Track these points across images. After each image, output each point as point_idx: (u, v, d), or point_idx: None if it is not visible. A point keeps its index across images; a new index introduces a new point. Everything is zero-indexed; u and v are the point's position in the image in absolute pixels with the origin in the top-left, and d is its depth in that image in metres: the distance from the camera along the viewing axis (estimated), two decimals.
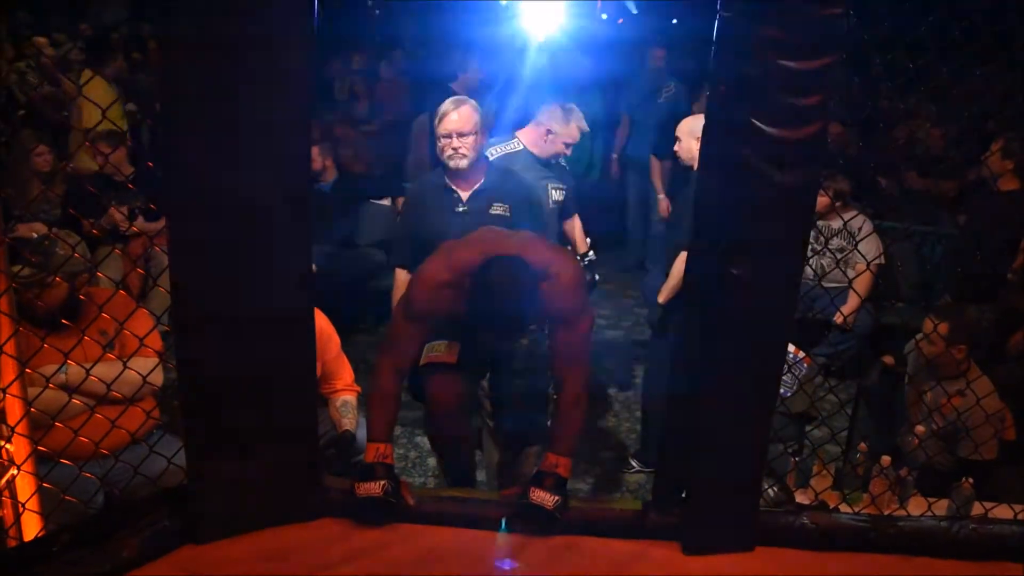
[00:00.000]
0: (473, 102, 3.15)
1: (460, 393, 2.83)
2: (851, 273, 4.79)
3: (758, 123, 1.80)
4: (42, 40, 7.14)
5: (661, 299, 3.69)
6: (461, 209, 3.11)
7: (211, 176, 1.78)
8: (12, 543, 2.03)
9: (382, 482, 2.16)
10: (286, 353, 2.01)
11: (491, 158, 3.46)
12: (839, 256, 4.71)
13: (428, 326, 2.45)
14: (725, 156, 1.87)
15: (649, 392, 4.02)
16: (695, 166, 3.56)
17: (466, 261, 2.32)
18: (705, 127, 1.94)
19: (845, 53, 1.83)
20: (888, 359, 3.68)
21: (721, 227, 1.94)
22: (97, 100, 5.78)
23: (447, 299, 2.33)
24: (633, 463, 4.10)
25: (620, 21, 17.68)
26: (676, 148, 3.66)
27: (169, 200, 1.81)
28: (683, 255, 3.60)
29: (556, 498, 2.19)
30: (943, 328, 3.12)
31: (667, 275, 3.59)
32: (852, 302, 4.64)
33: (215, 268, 1.85)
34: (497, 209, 3.10)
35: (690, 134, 3.54)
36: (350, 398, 3.28)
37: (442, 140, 3.10)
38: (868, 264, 4.72)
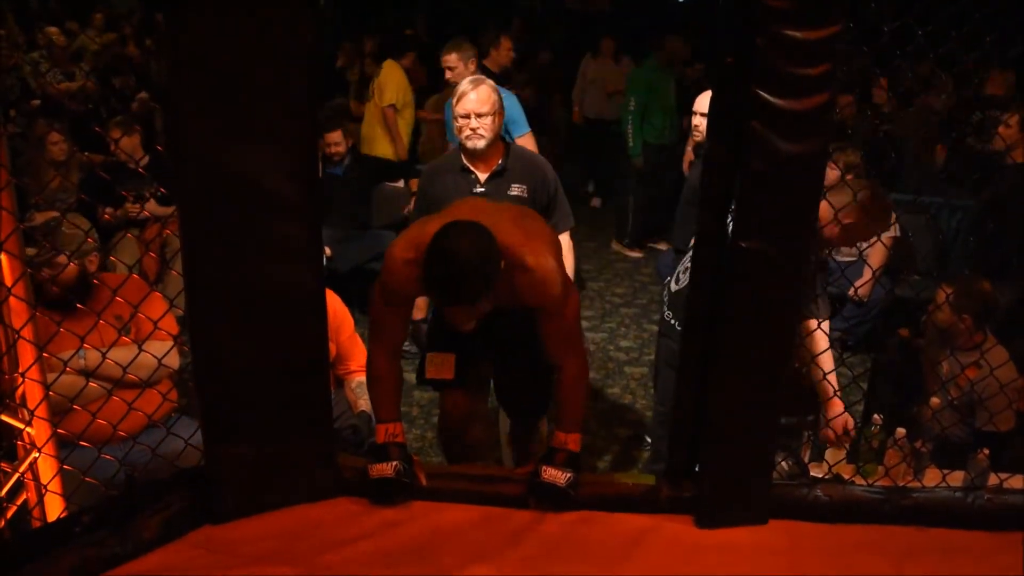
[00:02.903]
0: (491, 82, 3.12)
1: (467, 411, 2.89)
2: (864, 246, 4.75)
3: (764, 94, 1.78)
4: (53, 29, 7.17)
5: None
6: (479, 190, 3.11)
7: (220, 159, 1.79)
8: (36, 524, 2.07)
9: (394, 463, 2.18)
10: (299, 333, 2.03)
11: None
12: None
13: (407, 305, 2.40)
14: (732, 128, 1.86)
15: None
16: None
17: (430, 234, 2.17)
18: (712, 99, 1.93)
19: (851, 22, 1.81)
20: (904, 331, 3.66)
21: (729, 199, 1.93)
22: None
23: (416, 277, 2.20)
24: (648, 438, 4.12)
25: None
26: (696, 124, 3.67)
27: (180, 184, 1.82)
28: None
29: (568, 475, 2.20)
30: (950, 295, 3.10)
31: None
32: (866, 275, 4.62)
33: (226, 250, 1.87)
34: (515, 190, 3.09)
35: None
36: (364, 379, 3.30)
37: (460, 120, 3.07)
38: (879, 236, 4.67)
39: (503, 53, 5.92)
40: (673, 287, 3.03)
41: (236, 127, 1.79)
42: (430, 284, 2.11)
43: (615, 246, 7.14)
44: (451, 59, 4.74)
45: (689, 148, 6.10)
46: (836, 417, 2.64)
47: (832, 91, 1.83)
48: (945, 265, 5.16)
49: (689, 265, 2.42)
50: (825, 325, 2.67)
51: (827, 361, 2.68)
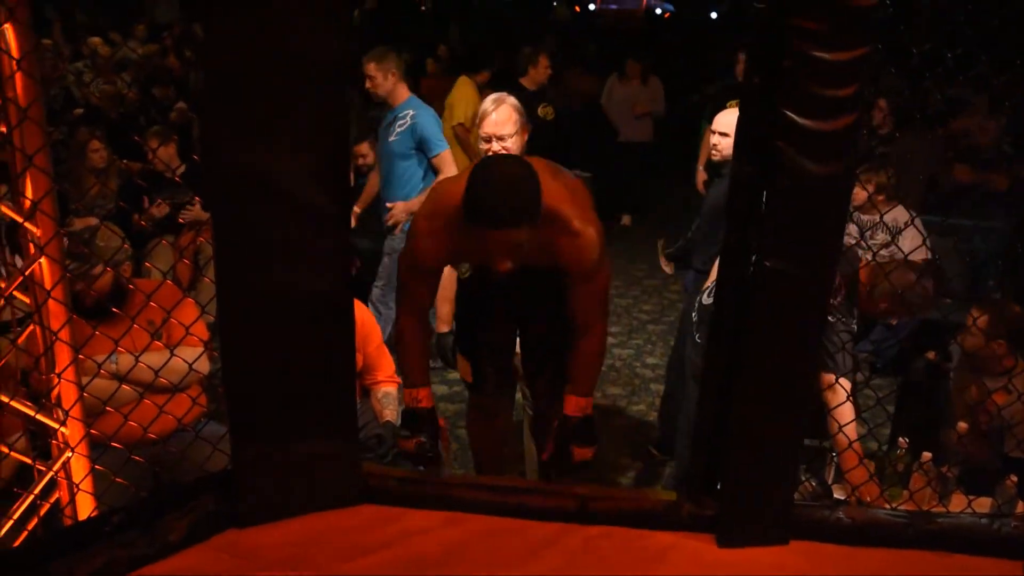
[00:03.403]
0: (513, 100, 3.08)
1: (494, 426, 2.97)
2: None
3: (791, 115, 1.80)
4: (96, 40, 7.33)
5: (706, 300, 3.69)
6: None
7: (252, 167, 1.83)
8: (67, 522, 2.12)
9: (415, 440, 2.37)
10: (327, 341, 2.06)
11: None
12: (885, 251, 4.63)
13: (434, 273, 2.41)
14: (759, 148, 1.87)
15: (672, 387, 4.04)
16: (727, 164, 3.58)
17: (455, 196, 2.17)
18: (739, 119, 1.95)
19: (880, 44, 1.82)
20: (931, 354, 3.63)
21: (755, 218, 1.94)
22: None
23: (443, 241, 2.26)
24: (654, 451, 4.13)
25: (666, 15, 17.60)
26: (715, 143, 3.64)
27: (213, 191, 1.87)
28: None
29: (594, 447, 2.38)
30: (983, 321, 3.08)
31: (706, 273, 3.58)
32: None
33: (257, 257, 1.90)
34: None
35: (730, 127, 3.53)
36: (391, 389, 3.34)
37: (483, 143, 3.05)
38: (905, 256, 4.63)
39: (540, 71, 5.95)
40: (705, 300, 3.03)
41: (268, 135, 1.82)
42: (474, 207, 2.05)
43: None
44: (370, 68, 4.62)
45: (700, 167, 6.09)
46: (859, 487, 2.55)
47: (859, 112, 1.83)
48: (975, 288, 5.11)
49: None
50: (847, 386, 2.60)
51: (843, 414, 2.59)
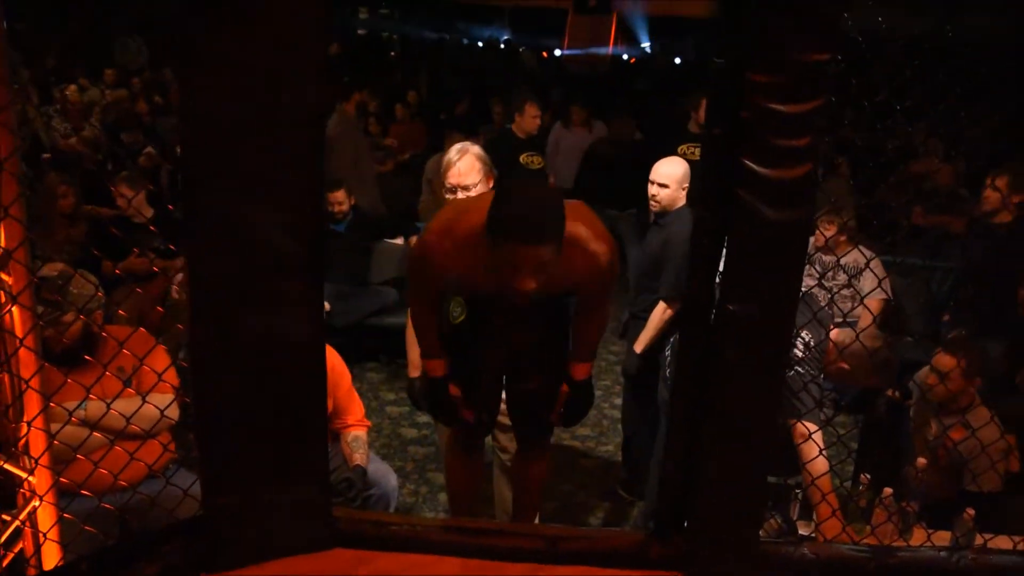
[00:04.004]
0: (477, 149, 3.05)
1: (475, 463, 2.96)
2: (858, 308, 4.82)
3: (751, 164, 1.87)
4: (71, 88, 7.35)
5: (639, 348, 3.77)
6: None
7: (229, 215, 1.87)
8: (31, 572, 2.09)
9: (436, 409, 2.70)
10: (299, 386, 2.08)
11: None
12: (847, 291, 4.74)
13: (438, 287, 2.45)
14: (721, 196, 1.94)
15: (632, 431, 4.10)
16: (667, 212, 3.67)
17: (465, 216, 2.26)
18: (702, 168, 2.02)
19: (833, 96, 1.90)
20: (893, 392, 3.71)
21: (718, 263, 2.01)
22: None
23: (453, 250, 2.25)
24: (622, 492, 4.16)
25: (632, 60, 17.92)
26: (654, 193, 3.67)
27: (188, 237, 1.89)
28: (660, 306, 3.69)
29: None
30: (961, 363, 3.16)
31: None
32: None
33: (231, 304, 1.93)
34: None
35: (678, 182, 3.62)
36: (361, 433, 3.34)
37: (447, 194, 3.03)
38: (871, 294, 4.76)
39: (528, 119, 5.99)
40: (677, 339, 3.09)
41: (245, 184, 1.86)
42: (504, 222, 2.04)
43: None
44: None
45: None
46: (823, 521, 2.59)
47: (815, 161, 1.91)
48: (935, 327, 5.23)
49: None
50: (815, 433, 2.65)
51: (817, 467, 2.63)
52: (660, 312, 3.70)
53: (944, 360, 3.23)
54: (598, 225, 2.31)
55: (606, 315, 2.54)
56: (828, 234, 4.55)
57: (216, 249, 1.88)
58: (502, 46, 18.26)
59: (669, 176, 3.64)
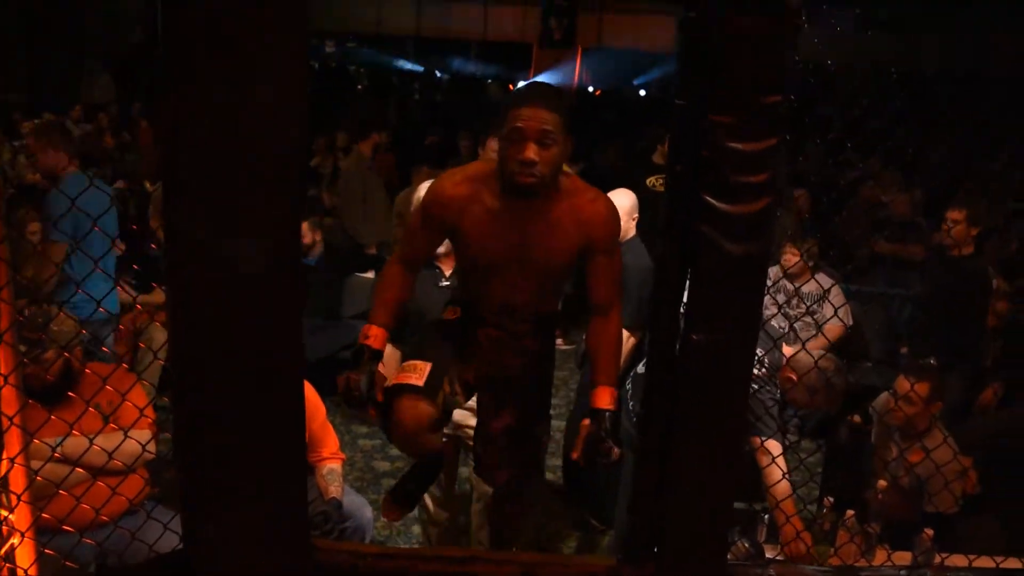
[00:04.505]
0: None
1: (428, 415, 2.42)
2: (821, 338, 4.95)
3: (711, 199, 1.96)
4: (29, 125, 7.33)
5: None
6: (444, 284, 3.25)
7: (210, 249, 1.92)
8: None
9: (348, 374, 2.32)
10: (278, 418, 2.12)
11: None
12: (809, 318, 4.87)
13: (440, 229, 2.37)
14: (683, 230, 2.04)
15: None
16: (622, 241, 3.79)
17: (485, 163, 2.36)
18: (665, 203, 2.11)
19: (787, 135, 2.01)
20: (855, 417, 3.82)
21: (682, 296, 2.09)
22: None
23: (463, 187, 2.29)
24: (592, 521, 4.22)
25: (597, 92, 18.20)
26: None
27: (170, 271, 1.94)
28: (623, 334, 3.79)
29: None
30: (923, 388, 3.27)
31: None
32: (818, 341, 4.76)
33: (212, 336, 1.97)
34: None
35: (627, 213, 3.75)
36: (336, 466, 3.38)
37: None
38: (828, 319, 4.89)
39: (489, 155, 6.12)
40: (639, 370, 3.18)
41: (224, 218, 1.91)
42: (510, 98, 2.20)
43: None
44: None
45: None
46: (788, 543, 2.69)
47: (772, 196, 2.01)
48: (897, 354, 5.38)
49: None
50: (778, 457, 2.76)
51: (780, 467, 2.78)
52: (624, 342, 3.78)
53: (905, 385, 3.34)
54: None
55: (617, 314, 2.41)
56: (792, 261, 4.69)
57: (198, 283, 1.93)
58: (470, 79, 18.47)
59: (618, 207, 3.76)
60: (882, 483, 3.11)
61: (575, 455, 2.35)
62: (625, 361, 3.77)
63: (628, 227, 3.78)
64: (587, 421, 2.33)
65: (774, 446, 2.76)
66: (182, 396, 2.01)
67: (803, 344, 2.63)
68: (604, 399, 2.33)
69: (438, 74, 18.60)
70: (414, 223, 2.41)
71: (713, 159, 1.96)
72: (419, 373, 2.42)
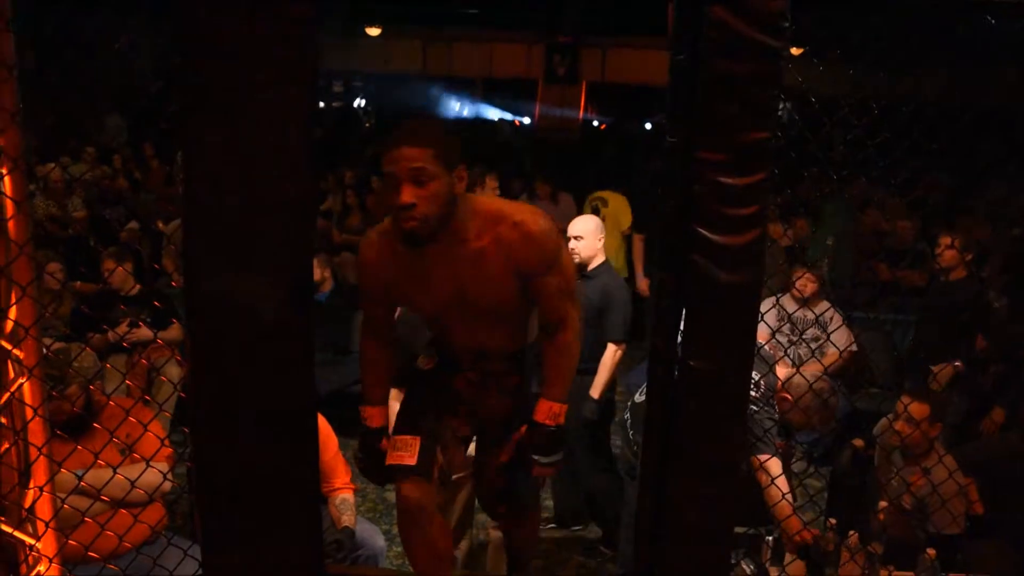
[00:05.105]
0: None
1: (429, 504, 2.38)
2: (824, 360, 5.01)
3: (703, 231, 2.06)
4: (50, 167, 7.51)
5: (596, 393, 3.94)
6: None
7: (227, 287, 2.03)
8: None
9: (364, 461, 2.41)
10: (292, 450, 2.21)
11: None
12: (813, 345, 4.93)
13: (387, 298, 2.32)
14: (678, 260, 2.13)
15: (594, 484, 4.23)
16: (590, 266, 3.91)
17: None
18: (661, 234, 2.21)
19: (775, 169, 2.11)
20: (858, 441, 3.87)
21: (678, 324, 2.18)
22: None
23: (386, 247, 2.22)
24: (601, 548, 4.27)
25: (603, 127, 18.38)
26: (572, 247, 3.93)
27: (188, 310, 2.04)
28: (610, 348, 3.90)
29: (557, 466, 2.29)
30: (923, 410, 3.32)
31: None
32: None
33: (230, 374, 2.07)
34: None
35: (593, 234, 3.89)
36: (348, 495, 3.45)
37: None
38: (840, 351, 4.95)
39: (488, 192, 6.25)
40: (637, 399, 3.26)
41: (239, 259, 2.02)
42: (386, 139, 2.05)
43: None
44: None
45: (640, 273, 6.44)
46: (795, 534, 2.81)
47: (763, 227, 2.10)
48: (900, 379, 5.42)
49: None
50: (779, 476, 2.87)
51: (781, 486, 2.86)
52: (612, 354, 3.94)
53: (913, 408, 3.39)
54: (527, 207, 2.28)
55: (571, 327, 2.27)
56: (803, 288, 4.80)
57: (215, 322, 2.03)
58: (476, 116, 18.68)
59: (583, 230, 3.98)
60: (883, 503, 3.16)
61: (503, 457, 2.37)
62: (614, 371, 4.00)
63: (596, 249, 3.95)
64: (524, 428, 2.31)
65: (774, 464, 2.84)
66: (199, 429, 2.10)
67: (797, 368, 2.71)
68: (543, 412, 2.27)
69: (444, 111, 18.81)
70: (361, 294, 2.35)
71: (704, 193, 2.05)
72: (411, 450, 2.38)
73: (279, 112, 1.98)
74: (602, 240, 4.00)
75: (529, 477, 2.36)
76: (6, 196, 1.85)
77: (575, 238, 3.97)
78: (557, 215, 7.96)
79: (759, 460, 2.85)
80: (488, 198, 2.27)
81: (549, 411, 2.26)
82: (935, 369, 4.45)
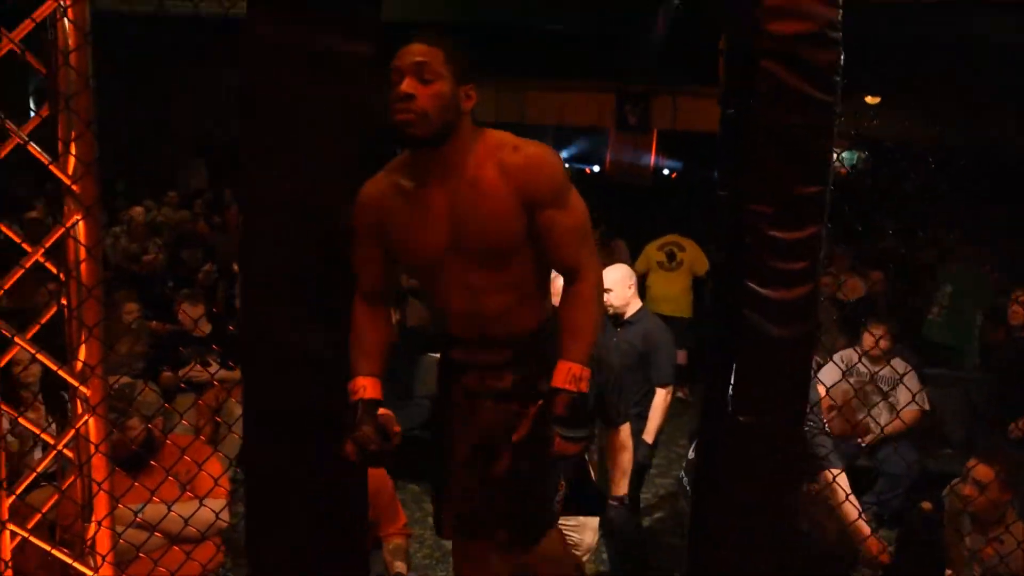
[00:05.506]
0: None
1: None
2: (896, 422, 4.85)
3: (753, 286, 2.05)
4: (138, 210, 7.84)
5: (650, 438, 3.89)
6: None
7: (281, 335, 2.09)
8: None
9: (352, 437, 1.98)
10: (343, 496, 2.24)
11: None
12: (884, 401, 4.79)
13: (379, 241, 2.02)
14: (727, 314, 2.11)
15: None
16: (627, 314, 3.85)
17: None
18: (713, 289, 2.20)
19: (828, 223, 2.09)
20: (926, 504, 3.73)
21: (729, 379, 2.15)
22: None
23: (380, 189, 2.00)
24: None
25: (673, 175, 18.36)
26: (605, 299, 3.87)
27: (247, 357, 2.11)
28: (660, 393, 3.87)
29: (582, 442, 1.92)
30: (990, 473, 3.20)
31: None
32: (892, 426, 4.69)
33: (283, 419, 2.12)
34: None
35: (622, 283, 3.85)
36: (401, 542, 3.46)
37: None
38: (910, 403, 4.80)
39: None
40: (690, 455, 3.22)
41: (296, 305, 2.09)
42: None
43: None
44: None
45: None
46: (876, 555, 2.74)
47: (815, 282, 2.08)
48: (975, 440, 5.22)
49: None
50: (841, 477, 2.83)
51: (850, 508, 2.83)
52: (662, 399, 3.90)
53: (980, 470, 3.26)
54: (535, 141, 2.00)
55: (589, 277, 1.98)
56: (871, 343, 4.68)
57: (270, 368, 2.09)
58: None
59: (612, 281, 3.89)
60: (949, 573, 3.03)
61: (515, 437, 1.99)
62: (665, 415, 3.93)
63: (629, 297, 3.91)
64: (539, 402, 1.98)
65: (844, 480, 2.82)
66: (255, 473, 2.15)
67: (881, 428, 2.65)
68: (562, 376, 1.92)
69: None
70: (353, 244, 2.06)
71: (755, 247, 2.05)
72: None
73: (337, 159, 2.05)
74: (632, 287, 3.96)
75: (542, 477, 2.05)
76: (80, 243, 1.95)
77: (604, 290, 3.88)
78: (610, 262, 7.95)
79: (831, 474, 2.79)
80: (495, 130, 2.00)
81: (569, 373, 1.91)
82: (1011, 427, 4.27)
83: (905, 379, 4.73)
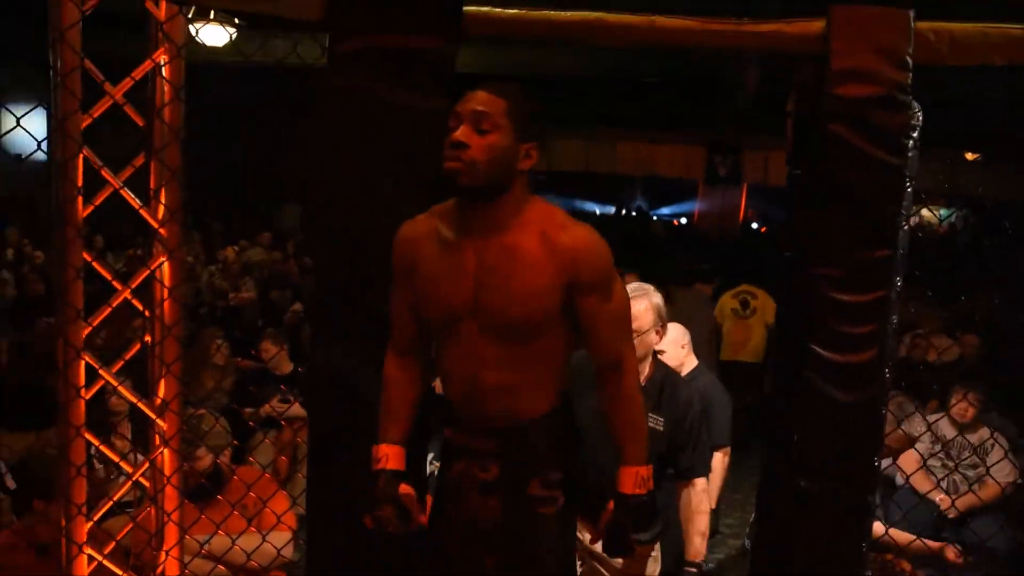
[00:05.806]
0: (656, 296, 2.81)
1: None
2: (983, 493, 4.63)
3: (817, 348, 2.02)
4: (231, 250, 8.17)
5: (712, 504, 3.77)
6: None
7: (348, 375, 2.15)
8: None
9: (373, 512, 1.93)
10: (399, 536, 2.27)
11: None
12: (971, 474, 4.58)
13: (410, 288, 1.94)
14: (790, 377, 2.08)
15: None
16: (682, 372, 3.65)
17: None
18: (773, 353, 2.18)
19: (900, 284, 2.04)
20: None
21: (791, 445, 2.11)
22: None
23: (415, 230, 1.93)
24: None
25: (763, 229, 18.12)
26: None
27: (313, 398, 2.18)
28: (717, 455, 3.72)
29: (658, 538, 2.02)
30: None
31: None
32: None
33: (346, 460, 2.16)
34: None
35: (675, 343, 3.74)
36: None
37: None
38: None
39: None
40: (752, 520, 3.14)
41: (365, 348, 2.15)
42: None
43: None
44: None
45: None
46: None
47: (882, 346, 2.03)
48: None
49: None
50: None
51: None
52: (720, 461, 3.77)
53: None
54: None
55: (631, 372, 1.92)
56: (960, 409, 4.49)
57: (335, 409, 2.15)
58: (633, 213, 18.87)
59: (666, 342, 3.75)
60: None
61: (595, 536, 1.99)
62: (722, 480, 3.79)
63: (683, 356, 3.80)
64: (611, 504, 1.92)
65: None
66: (318, 511, 2.20)
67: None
68: (628, 482, 1.89)
69: (597, 210, 19.03)
70: (390, 300, 2.00)
71: (819, 309, 2.02)
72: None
73: (406, 206, 2.07)
74: (687, 346, 3.84)
75: (627, 553, 2.00)
76: (164, 284, 2.07)
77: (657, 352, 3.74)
78: (690, 300, 7.79)
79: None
80: (544, 201, 1.92)
81: (637, 477, 1.89)
82: None
83: (996, 449, 4.51)
